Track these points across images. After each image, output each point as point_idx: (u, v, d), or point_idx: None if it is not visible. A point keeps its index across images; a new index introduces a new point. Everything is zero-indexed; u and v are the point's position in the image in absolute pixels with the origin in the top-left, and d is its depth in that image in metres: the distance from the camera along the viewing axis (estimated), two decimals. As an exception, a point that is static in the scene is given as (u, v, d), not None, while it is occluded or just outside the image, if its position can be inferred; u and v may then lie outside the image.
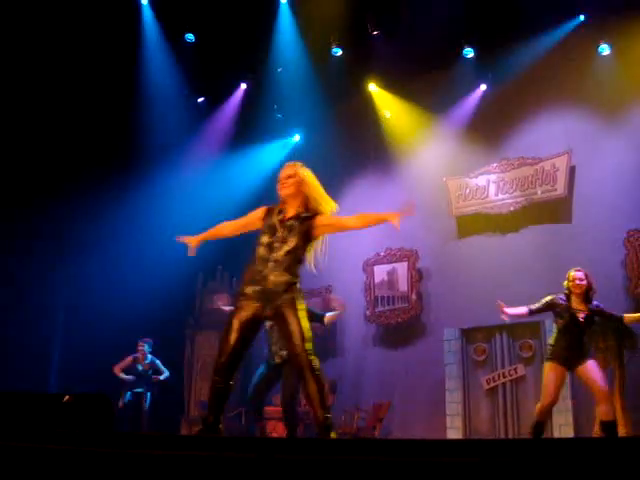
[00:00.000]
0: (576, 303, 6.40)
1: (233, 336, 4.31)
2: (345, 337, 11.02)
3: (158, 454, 3.18)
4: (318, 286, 11.04)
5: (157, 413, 9.66)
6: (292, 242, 4.46)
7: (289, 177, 4.61)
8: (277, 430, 9.01)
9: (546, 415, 6.43)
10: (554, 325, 6.52)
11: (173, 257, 10.30)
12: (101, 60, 9.77)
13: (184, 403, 11.40)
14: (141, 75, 10.39)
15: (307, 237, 4.54)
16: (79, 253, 10.59)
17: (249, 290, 4.39)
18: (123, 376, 9.46)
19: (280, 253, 4.42)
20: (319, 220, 4.63)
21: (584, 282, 6.42)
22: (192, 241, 4.74)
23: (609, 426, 6.13)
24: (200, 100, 11.43)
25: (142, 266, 10.33)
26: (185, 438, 5.34)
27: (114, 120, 10.35)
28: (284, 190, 4.60)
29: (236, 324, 4.33)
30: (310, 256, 4.65)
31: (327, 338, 10.92)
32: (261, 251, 4.45)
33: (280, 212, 4.59)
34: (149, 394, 9.54)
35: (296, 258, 4.48)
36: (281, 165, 4.76)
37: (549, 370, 6.29)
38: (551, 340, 6.41)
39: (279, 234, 4.47)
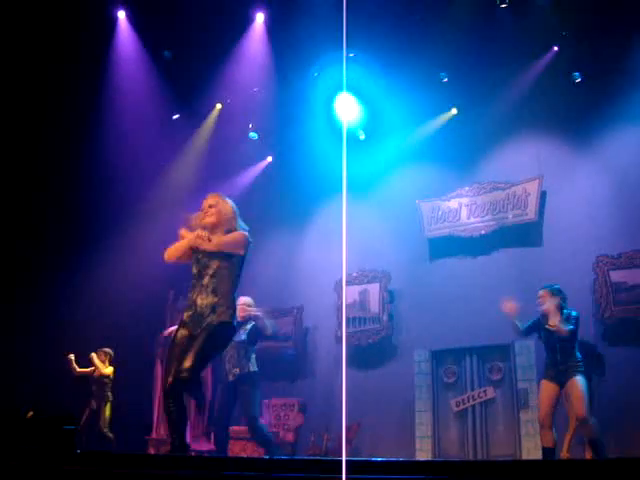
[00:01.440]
0: (552, 320, 6.57)
1: (174, 361, 4.51)
2: (316, 358, 10.98)
3: (126, 473, 3.14)
4: (289, 306, 11.03)
5: (124, 432, 9.53)
6: (214, 264, 4.67)
7: (211, 206, 4.86)
8: (246, 450, 8.94)
9: (546, 437, 6.40)
10: None
11: (144, 273, 10.29)
12: (71, 72, 9.71)
13: (152, 423, 11.25)
14: (113, 89, 10.32)
15: (227, 256, 4.69)
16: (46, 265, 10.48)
17: (184, 316, 4.70)
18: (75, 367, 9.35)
19: (205, 278, 4.66)
20: (233, 234, 4.84)
21: (546, 298, 6.61)
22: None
23: (593, 445, 6.19)
24: (175, 117, 11.38)
25: (111, 282, 10.24)
26: (153, 457, 5.28)
27: (85, 138, 10.27)
28: (206, 219, 4.84)
29: (175, 349, 4.60)
30: (240, 275, 4.83)
31: (298, 358, 10.90)
32: (193, 279, 4.75)
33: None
34: (109, 404, 9.43)
35: (222, 279, 4.65)
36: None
37: (541, 389, 6.50)
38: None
39: (202, 261, 4.71)
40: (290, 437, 9.92)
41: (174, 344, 4.62)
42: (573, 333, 6.50)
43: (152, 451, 10.57)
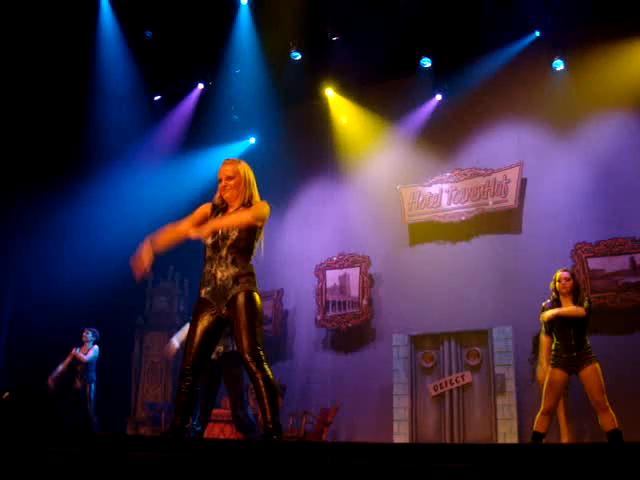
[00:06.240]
0: (565, 304, 6.40)
1: (195, 341, 4.31)
2: (295, 341, 11.02)
3: (109, 454, 3.14)
4: (270, 289, 11.04)
5: (102, 414, 9.52)
6: (233, 235, 4.42)
7: (228, 178, 4.53)
8: (225, 433, 8.94)
9: (543, 423, 6.27)
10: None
11: (124, 255, 10.24)
12: (54, 54, 9.61)
13: (130, 404, 11.26)
14: (96, 71, 10.24)
15: (247, 227, 4.44)
16: (29, 243, 10.42)
17: (202, 292, 4.41)
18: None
19: (224, 250, 4.40)
20: (259, 203, 4.54)
21: (570, 281, 6.45)
22: (146, 260, 4.45)
23: (612, 435, 6.07)
24: (156, 98, 11.32)
25: (91, 263, 10.20)
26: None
27: (67, 114, 10.20)
28: (225, 193, 4.55)
29: (196, 329, 4.34)
30: (258, 245, 4.59)
31: (277, 341, 10.93)
32: (208, 252, 4.46)
33: (223, 210, 4.57)
34: (93, 385, 9.39)
35: (241, 250, 4.42)
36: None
37: (550, 375, 6.28)
38: (553, 346, 6.38)
39: (221, 231, 4.44)
40: (268, 419, 9.95)
41: (196, 324, 4.33)
42: (588, 315, 6.34)
43: (130, 432, 10.59)
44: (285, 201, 11.46)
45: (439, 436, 9.49)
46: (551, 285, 6.56)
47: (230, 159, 4.69)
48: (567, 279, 6.43)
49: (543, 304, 6.58)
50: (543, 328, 6.57)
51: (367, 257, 10.56)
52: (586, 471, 2.62)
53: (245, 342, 4.20)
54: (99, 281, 10.01)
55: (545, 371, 6.48)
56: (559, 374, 6.27)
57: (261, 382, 4.19)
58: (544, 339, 6.58)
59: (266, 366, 4.23)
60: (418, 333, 9.97)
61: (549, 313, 6.39)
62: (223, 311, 4.33)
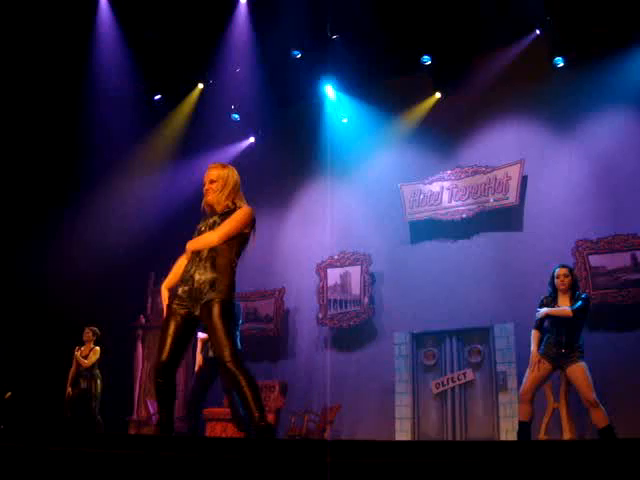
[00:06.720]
0: (562, 300, 6.48)
1: (169, 338, 4.39)
2: (297, 340, 11.02)
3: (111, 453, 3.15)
4: (271, 288, 11.06)
5: (104, 413, 9.52)
6: None
7: (212, 182, 4.61)
8: (227, 432, 8.96)
9: (525, 411, 6.39)
10: None
11: (125, 255, 10.28)
12: (53, 53, 9.62)
13: (132, 404, 11.27)
14: (94, 70, 10.24)
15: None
16: (30, 243, 10.44)
17: (179, 290, 4.48)
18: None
19: (204, 252, 4.45)
20: (237, 212, 4.56)
21: (569, 278, 6.50)
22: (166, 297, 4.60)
23: (605, 432, 6.12)
24: (157, 98, 11.32)
25: (92, 263, 10.21)
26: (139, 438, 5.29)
27: (67, 114, 10.21)
28: (207, 196, 4.62)
29: (170, 326, 4.42)
30: (241, 249, 4.59)
31: (279, 340, 10.94)
32: (192, 254, 4.53)
33: (210, 216, 4.64)
34: (99, 382, 9.39)
35: (220, 254, 4.45)
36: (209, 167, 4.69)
37: (534, 363, 6.41)
38: (545, 338, 6.48)
39: (203, 233, 4.54)
40: (271, 418, 9.97)
41: (168, 321, 4.41)
42: (582, 315, 6.39)
43: (133, 432, 10.60)
44: (286, 200, 11.46)
45: (441, 434, 9.49)
46: (549, 281, 6.62)
47: (215, 163, 4.76)
48: (565, 275, 6.50)
49: (542, 297, 6.65)
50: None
51: (368, 255, 10.56)
52: (586, 467, 2.63)
53: (223, 347, 4.25)
54: (100, 281, 10.02)
55: (534, 363, 6.52)
56: (544, 364, 6.38)
57: (244, 382, 4.21)
58: (534, 332, 6.65)
59: (245, 366, 4.28)
60: (420, 331, 9.96)
61: (541, 312, 6.51)
62: (196, 312, 4.39)
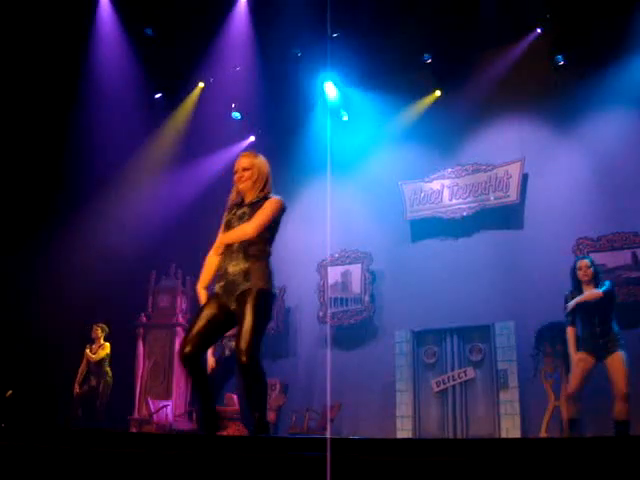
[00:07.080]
0: (586, 292, 6.45)
1: (198, 325, 4.29)
2: (298, 338, 11.03)
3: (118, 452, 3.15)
4: (272, 286, 11.04)
5: (105, 412, 9.54)
6: None
7: (245, 169, 4.55)
8: (241, 430, 8.95)
9: (573, 410, 6.40)
10: None
11: (127, 254, 10.28)
12: (51, 52, 9.60)
13: (134, 402, 11.26)
14: (94, 70, 10.23)
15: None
16: (31, 243, 10.45)
17: (217, 287, 4.39)
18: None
19: (235, 244, 4.38)
20: (269, 203, 4.55)
21: (591, 269, 6.50)
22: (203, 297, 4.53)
23: (620, 425, 6.11)
24: (157, 96, 11.30)
25: (94, 262, 10.21)
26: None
27: (66, 114, 10.20)
28: (240, 184, 4.56)
29: (203, 317, 4.31)
30: (272, 239, 4.60)
31: (280, 339, 10.94)
32: (223, 247, 4.45)
33: (238, 206, 4.57)
34: (109, 380, 9.41)
35: (253, 244, 4.39)
36: (230, 168, 4.68)
37: (576, 361, 6.38)
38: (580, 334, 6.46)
39: (233, 225, 4.46)
40: (272, 417, 9.97)
41: (200, 315, 4.31)
42: (610, 299, 6.41)
43: (134, 430, 10.59)
44: (286, 199, 11.39)
45: (442, 432, 9.49)
46: (571, 274, 6.58)
47: (247, 152, 4.73)
48: (588, 266, 6.50)
49: (566, 294, 6.60)
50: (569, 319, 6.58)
51: (369, 253, 10.57)
52: (586, 467, 2.63)
53: (245, 341, 4.13)
54: (102, 280, 10.02)
55: (576, 362, 6.46)
56: (585, 357, 6.35)
57: (254, 382, 4.18)
58: (569, 330, 6.57)
59: (260, 365, 4.21)
60: (420, 329, 9.95)
61: (571, 303, 6.46)
62: (233, 307, 4.28)
